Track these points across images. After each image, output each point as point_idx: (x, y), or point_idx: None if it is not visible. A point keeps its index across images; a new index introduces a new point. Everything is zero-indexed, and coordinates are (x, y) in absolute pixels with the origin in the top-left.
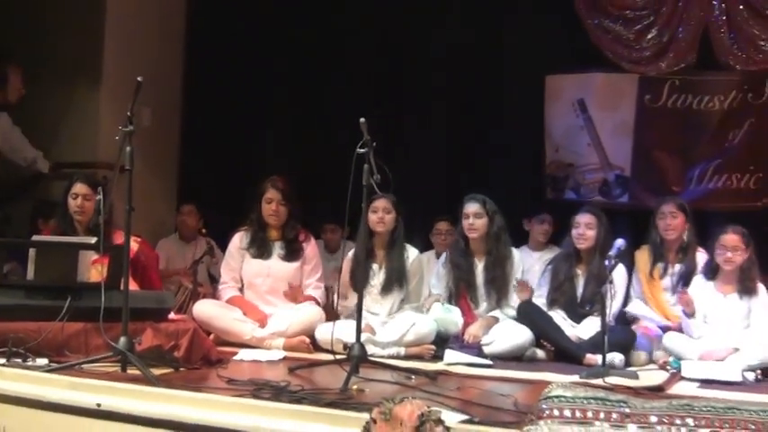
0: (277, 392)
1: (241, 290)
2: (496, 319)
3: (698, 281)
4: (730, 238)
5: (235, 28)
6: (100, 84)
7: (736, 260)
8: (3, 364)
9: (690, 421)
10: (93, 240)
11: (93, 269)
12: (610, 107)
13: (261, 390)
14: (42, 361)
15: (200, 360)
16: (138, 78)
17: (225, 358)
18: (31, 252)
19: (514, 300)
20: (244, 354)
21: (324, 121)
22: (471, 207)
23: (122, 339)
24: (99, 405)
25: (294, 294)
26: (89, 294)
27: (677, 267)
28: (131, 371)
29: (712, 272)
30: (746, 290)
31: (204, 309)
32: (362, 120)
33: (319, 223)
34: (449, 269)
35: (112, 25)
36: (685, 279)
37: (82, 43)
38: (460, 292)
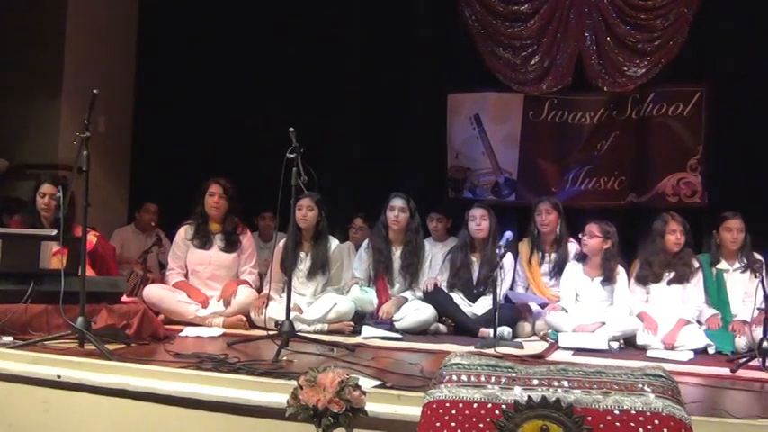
0: (217, 364)
1: (186, 275)
2: (406, 299)
3: (570, 266)
4: (588, 227)
5: (181, 44)
6: (60, 94)
7: (590, 243)
8: None
9: (565, 383)
10: (54, 232)
11: (55, 259)
12: (500, 121)
13: (203, 362)
14: (8, 338)
15: (149, 337)
16: (94, 90)
17: (171, 335)
18: None
19: (423, 283)
20: (188, 331)
21: (258, 129)
22: (398, 202)
23: (80, 319)
24: (59, 377)
25: (226, 295)
26: (50, 280)
27: (553, 255)
28: (88, 347)
29: (582, 258)
30: (608, 274)
31: (153, 292)
32: (291, 129)
33: (257, 213)
34: (370, 253)
35: (71, 42)
36: (559, 265)
37: (44, 58)
38: (379, 273)
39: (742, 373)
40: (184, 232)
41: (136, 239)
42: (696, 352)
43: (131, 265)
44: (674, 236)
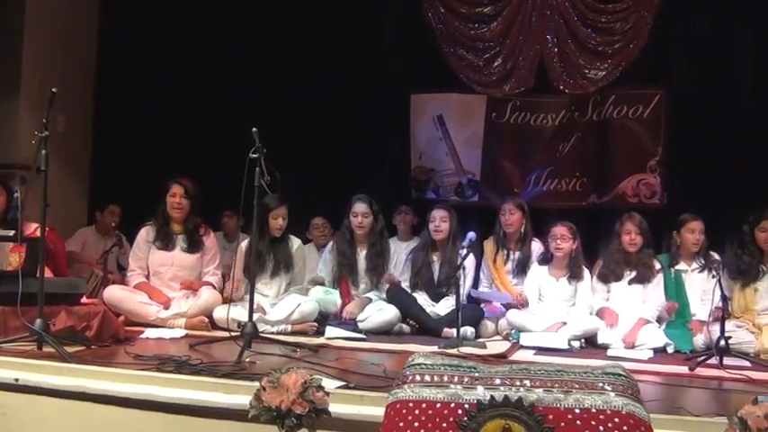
0: (179, 366)
1: (147, 277)
2: (370, 300)
3: (535, 267)
4: (559, 229)
5: (142, 42)
6: (18, 93)
7: (564, 247)
8: None
9: (527, 382)
10: (12, 233)
11: (12, 257)
12: (464, 122)
13: (164, 363)
14: None
15: (109, 338)
16: (53, 89)
17: (132, 336)
18: None
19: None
20: (149, 332)
21: (223, 127)
22: (360, 208)
23: (38, 321)
24: (17, 380)
25: (187, 286)
26: (7, 281)
27: (517, 254)
28: (47, 349)
29: (546, 260)
30: (574, 275)
31: (114, 293)
32: (254, 129)
33: (220, 213)
34: (334, 255)
35: (30, 40)
36: (522, 264)
37: (2, 56)
38: (343, 275)
39: (700, 371)
40: (146, 233)
41: (96, 241)
42: (655, 351)
43: (91, 265)
44: (629, 236)
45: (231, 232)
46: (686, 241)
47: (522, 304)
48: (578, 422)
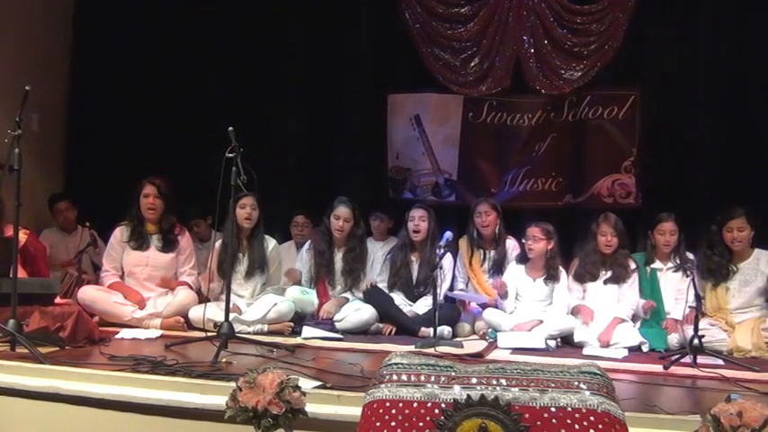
0: (154, 366)
1: (121, 277)
2: (347, 299)
3: (511, 267)
4: (532, 230)
5: (117, 41)
6: None
7: (535, 248)
8: None
9: (503, 381)
10: None
11: None
12: (440, 122)
13: (140, 364)
14: None
15: (84, 339)
16: (26, 87)
17: (107, 337)
18: None
19: (363, 284)
20: (124, 333)
21: (197, 128)
22: (343, 212)
23: (11, 321)
24: None
25: (165, 283)
26: None
27: (492, 254)
28: (20, 350)
29: (523, 259)
30: (550, 275)
31: (88, 293)
32: (230, 128)
33: (191, 216)
34: (311, 255)
35: (3, 37)
36: (498, 264)
37: None
38: (320, 276)
39: (674, 369)
40: (120, 233)
41: (62, 241)
42: (630, 350)
43: (59, 267)
44: (605, 237)
45: (201, 236)
46: (658, 242)
47: (502, 295)
48: (554, 421)
